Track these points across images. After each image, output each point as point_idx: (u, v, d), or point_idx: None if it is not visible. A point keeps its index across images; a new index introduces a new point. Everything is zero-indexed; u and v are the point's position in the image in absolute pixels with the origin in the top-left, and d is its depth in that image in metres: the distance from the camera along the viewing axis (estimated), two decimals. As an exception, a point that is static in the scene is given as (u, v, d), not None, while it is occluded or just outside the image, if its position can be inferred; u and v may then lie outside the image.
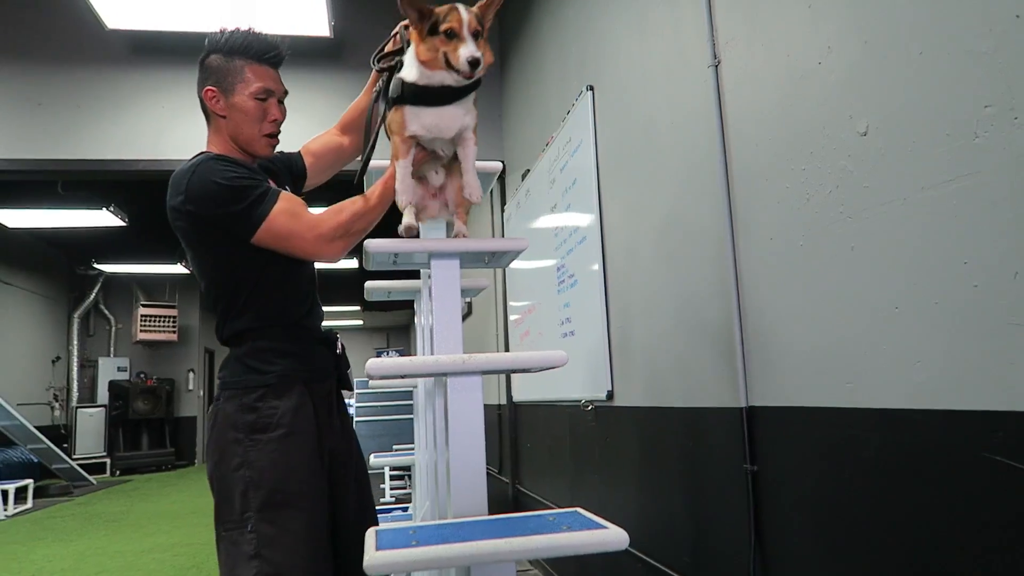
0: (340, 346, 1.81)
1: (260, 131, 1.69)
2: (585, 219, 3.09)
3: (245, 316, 1.63)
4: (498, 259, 2.18)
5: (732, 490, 1.91)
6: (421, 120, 1.50)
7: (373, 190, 1.61)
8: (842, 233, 1.48)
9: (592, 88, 3.05)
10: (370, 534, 1.35)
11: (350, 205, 1.60)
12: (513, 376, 4.63)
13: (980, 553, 1.16)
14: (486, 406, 5.57)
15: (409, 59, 1.51)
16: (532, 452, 4.29)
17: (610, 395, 2.86)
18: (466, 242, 2.07)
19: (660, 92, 2.38)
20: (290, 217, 1.56)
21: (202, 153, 1.67)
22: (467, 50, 1.41)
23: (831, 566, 1.54)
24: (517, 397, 4.57)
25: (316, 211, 1.62)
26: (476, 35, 1.43)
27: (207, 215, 1.56)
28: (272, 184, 1.64)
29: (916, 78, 1.29)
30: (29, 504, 7.83)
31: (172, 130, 4.59)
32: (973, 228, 1.17)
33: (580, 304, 3.20)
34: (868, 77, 1.41)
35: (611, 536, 1.29)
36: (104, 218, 7.31)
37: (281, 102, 1.74)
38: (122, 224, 7.57)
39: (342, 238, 1.58)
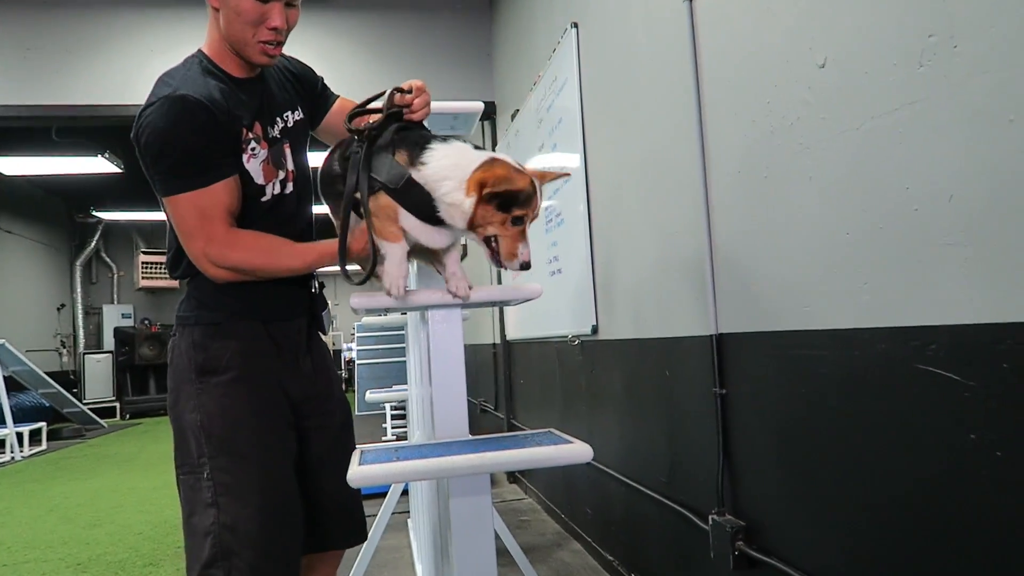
0: (316, 285, 1.67)
1: (255, 36, 1.42)
2: (571, 158, 3.13)
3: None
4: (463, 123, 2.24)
5: (703, 412, 2.02)
6: (411, 223, 1.36)
7: (307, 253, 1.48)
8: (801, 164, 1.54)
9: (576, 25, 3.05)
10: (355, 453, 1.45)
11: (272, 255, 1.45)
12: (507, 315, 4.74)
13: (918, 453, 1.26)
14: (482, 346, 5.75)
15: (441, 173, 1.30)
16: (525, 387, 4.42)
17: (595, 329, 2.96)
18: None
19: (639, 28, 2.40)
20: (197, 215, 1.38)
21: (191, 58, 1.48)
22: (525, 249, 1.33)
23: (791, 476, 1.65)
24: (511, 336, 4.68)
25: (241, 231, 1.44)
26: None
27: (138, 156, 1.42)
28: (221, 163, 1.41)
29: (869, 8, 1.33)
30: (43, 446, 8.08)
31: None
32: (915, 154, 1.23)
33: (567, 243, 3.27)
34: (826, 8, 1.45)
35: (577, 449, 1.39)
36: (100, 165, 7.32)
37: (291, 4, 1.45)
38: (118, 171, 7.59)
39: (231, 272, 1.42)
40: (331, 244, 1.46)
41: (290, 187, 1.57)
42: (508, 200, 1.28)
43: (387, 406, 5.74)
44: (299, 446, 1.56)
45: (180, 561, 3.42)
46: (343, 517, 1.66)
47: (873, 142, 1.33)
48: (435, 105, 2.25)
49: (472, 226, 1.31)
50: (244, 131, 1.45)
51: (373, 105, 1.52)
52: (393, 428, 5.84)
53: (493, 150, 4.92)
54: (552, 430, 1.63)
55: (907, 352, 1.26)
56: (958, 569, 1.18)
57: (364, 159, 1.38)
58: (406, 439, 5.07)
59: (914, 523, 1.27)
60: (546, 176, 1.39)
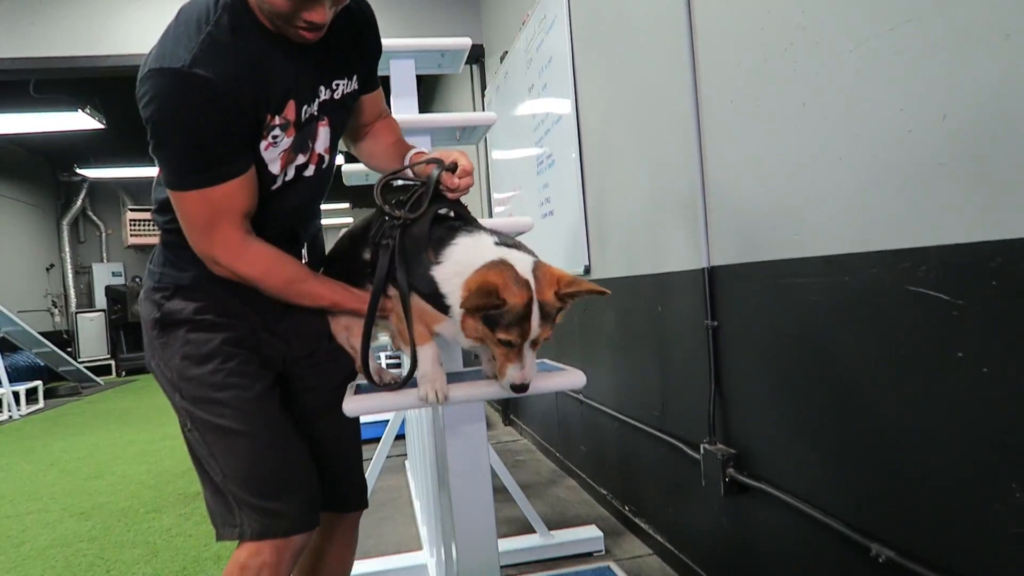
0: (304, 255, 1.44)
1: (288, 23, 1.17)
2: (561, 98, 3.09)
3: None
4: (470, 134, 2.21)
5: (695, 346, 2.04)
6: (446, 328, 1.25)
7: (325, 295, 1.35)
8: (795, 91, 1.52)
9: (565, -42, 2.97)
10: (350, 386, 1.47)
11: (285, 284, 1.31)
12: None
13: (906, 375, 1.28)
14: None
15: (452, 270, 1.18)
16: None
17: (587, 269, 2.96)
18: (434, 118, 2.10)
19: (630, -42, 2.33)
20: (206, 215, 1.21)
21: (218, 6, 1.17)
22: (516, 373, 1.16)
23: (781, 404, 1.68)
24: (503, 281, 4.68)
25: (261, 247, 1.27)
26: (546, 317, 1.14)
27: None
28: (237, 157, 1.20)
29: (865, -75, 1.30)
30: (40, 404, 8.12)
31: (141, 23, 4.45)
32: (910, 75, 1.22)
33: (558, 184, 3.25)
34: (821, -73, 1.41)
35: (570, 376, 1.41)
36: (81, 120, 7.16)
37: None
38: (100, 127, 7.43)
39: (232, 274, 1.27)
40: (354, 299, 1.35)
41: (311, 170, 1.34)
42: (492, 318, 1.12)
43: (382, 355, 5.76)
44: (291, 406, 1.44)
45: (183, 507, 3.48)
46: (345, 480, 1.54)
47: (868, 64, 1.31)
48: (421, 42, 2.22)
49: (465, 334, 1.18)
50: (269, 117, 1.21)
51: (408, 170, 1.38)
52: (387, 360, 5.90)
53: (482, 93, 4.85)
54: (545, 360, 1.64)
55: (898, 275, 1.27)
56: (945, 487, 1.21)
57: (399, 251, 1.25)
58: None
59: (901, 444, 1.30)
60: (565, 289, 1.16)
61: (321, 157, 1.36)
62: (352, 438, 1.58)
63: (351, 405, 1.29)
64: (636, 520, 2.66)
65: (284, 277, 1.30)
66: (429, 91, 7.35)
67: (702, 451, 1.99)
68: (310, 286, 1.33)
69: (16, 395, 7.60)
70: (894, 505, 1.33)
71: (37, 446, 5.62)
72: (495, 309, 1.10)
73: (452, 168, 1.32)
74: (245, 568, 1.26)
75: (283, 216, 1.34)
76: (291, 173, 1.31)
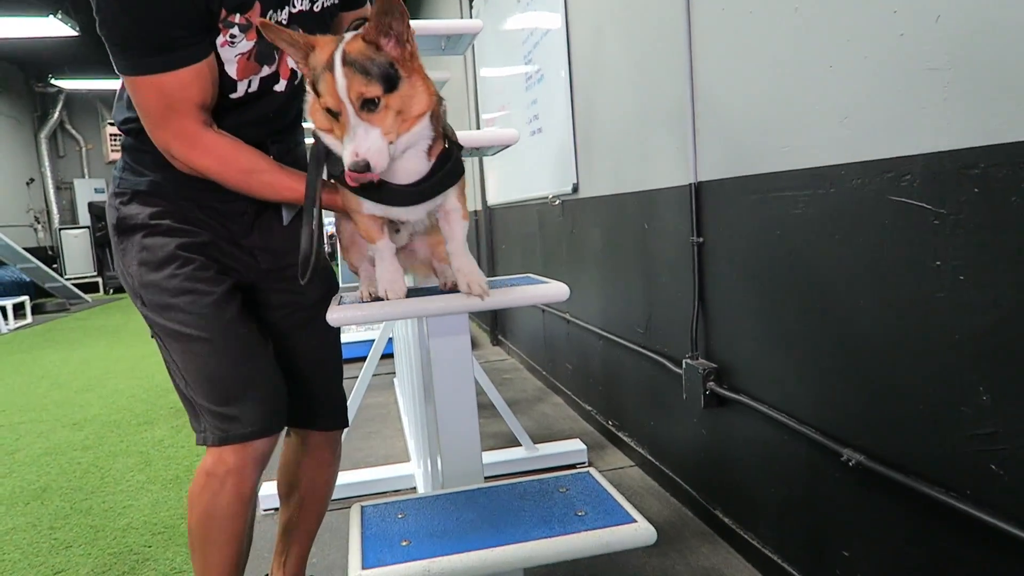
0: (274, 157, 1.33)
1: None
2: (551, 8, 2.98)
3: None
4: (455, 44, 2.14)
5: (680, 263, 2.05)
6: (368, 204, 1.17)
7: (287, 189, 1.25)
8: (790, -5, 1.47)
9: None
10: (334, 298, 1.46)
11: (245, 175, 1.24)
12: (487, 179, 4.68)
13: (885, 285, 1.29)
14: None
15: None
16: (507, 252, 4.45)
17: (575, 188, 2.93)
18: (417, 24, 2.02)
19: None
20: (161, 104, 1.16)
21: None
22: (350, 145, 1.00)
23: (763, 318, 1.70)
24: (491, 201, 4.65)
25: (218, 137, 1.21)
26: (352, 65, 0.99)
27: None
28: (190, 43, 1.14)
29: None
30: (28, 319, 8.14)
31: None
32: (908, -24, 1.18)
33: (547, 100, 3.18)
34: None
35: (554, 288, 1.42)
36: (53, 27, 6.89)
37: None
38: (74, 34, 7.15)
39: (189, 168, 1.22)
40: (294, 185, 1.26)
41: (281, 85, 1.30)
42: (312, 82, 1.04)
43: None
44: (262, 318, 1.41)
45: (174, 420, 3.54)
46: (320, 397, 1.51)
47: (865, -35, 1.27)
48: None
49: (321, 130, 1.09)
50: (224, 12, 1.14)
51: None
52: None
53: (470, 5, 4.68)
54: (530, 274, 1.65)
55: (881, 184, 1.26)
56: (915, 392, 1.24)
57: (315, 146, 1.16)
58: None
59: (876, 353, 1.32)
60: (369, 27, 1.01)
61: (293, 72, 1.30)
62: (331, 356, 1.54)
63: (336, 315, 1.29)
64: (619, 434, 2.73)
65: (241, 167, 1.23)
66: (415, 2, 7.08)
67: (684, 366, 2.03)
68: (272, 176, 1.25)
69: (3, 310, 7.61)
70: (865, 412, 1.37)
71: (27, 359, 5.66)
72: (303, 51, 1.03)
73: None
74: (211, 475, 1.27)
75: (246, 129, 1.26)
76: (255, 85, 1.26)
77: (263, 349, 1.34)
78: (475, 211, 5.05)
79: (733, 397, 1.83)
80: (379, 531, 1.17)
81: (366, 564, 1.04)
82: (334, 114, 1.01)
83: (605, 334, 2.74)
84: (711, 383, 1.93)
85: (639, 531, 1.11)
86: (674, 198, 2.04)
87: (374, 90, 0.99)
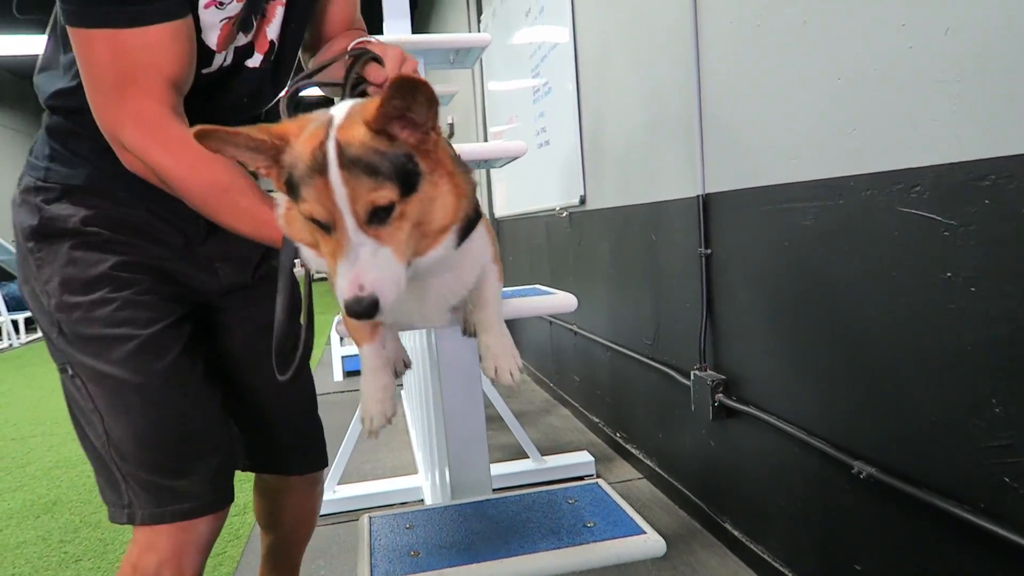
0: None
1: None
2: (558, 21, 3.00)
3: (73, 69, 0.96)
4: (463, 57, 2.16)
5: (687, 274, 2.05)
6: None
7: (264, 225, 0.93)
8: (796, 8, 1.48)
9: None
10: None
11: (212, 193, 0.94)
12: (495, 191, 4.70)
13: (895, 297, 1.29)
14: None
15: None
16: (514, 263, 4.46)
17: (583, 200, 2.94)
18: (426, 39, 2.04)
19: None
20: (115, 68, 0.89)
21: None
22: (344, 276, 0.71)
23: (771, 329, 1.70)
24: (499, 213, 4.66)
25: (182, 128, 0.92)
26: (355, 166, 0.70)
27: None
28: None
29: None
30: (39, 333, 8.19)
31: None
32: (914, -12, 1.18)
33: (555, 113, 3.19)
34: None
35: (562, 299, 1.42)
36: (66, 44, 6.98)
37: None
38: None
39: (142, 164, 0.94)
40: (266, 214, 0.96)
41: (255, 59, 1.07)
42: (290, 183, 0.74)
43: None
44: (215, 346, 1.18)
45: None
46: (289, 437, 1.27)
47: (871, -23, 1.27)
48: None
49: (297, 240, 0.81)
50: None
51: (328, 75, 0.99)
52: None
53: (478, 19, 4.72)
54: (538, 285, 1.65)
55: (891, 196, 1.26)
56: (927, 404, 1.23)
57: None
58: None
59: (886, 365, 1.32)
60: (379, 108, 0.71)
61: (272, 46, 1.07)
62: (303, 387, 1.29)
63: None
64: (627, 446, 2.72)
65: (212, 179, 0.93)
66: (423, 17, 7.14)
67: (692, 377, 2.02)
68: (249, 201, 0.94)
69: (15, 323, 7.67)
70: (877, 424, 1.36)
71: (38, 373, 5.69)
72: (271, 151, 0.74)
73: (378, 60, 0.96)
74: (137, 569, 1.00)
75: (215, 120, 0.86)
76: (230, 57, 1.03)
77: (213, 401, 1.09)
78: (483, 224, 5.06)
79: (742, 409, 1.82)
80: (388, 543, 1.17)
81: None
82: (322, 225, 0.72)
83: (613, 346, 2.74)
84: (720, 394, 1.92)
85: (648, 542, 1.11)
86: (682, 210, 2.04)
87: (386, 195, 0.71)
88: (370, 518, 1.27)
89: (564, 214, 3.19)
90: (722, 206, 1.85)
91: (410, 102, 0.70)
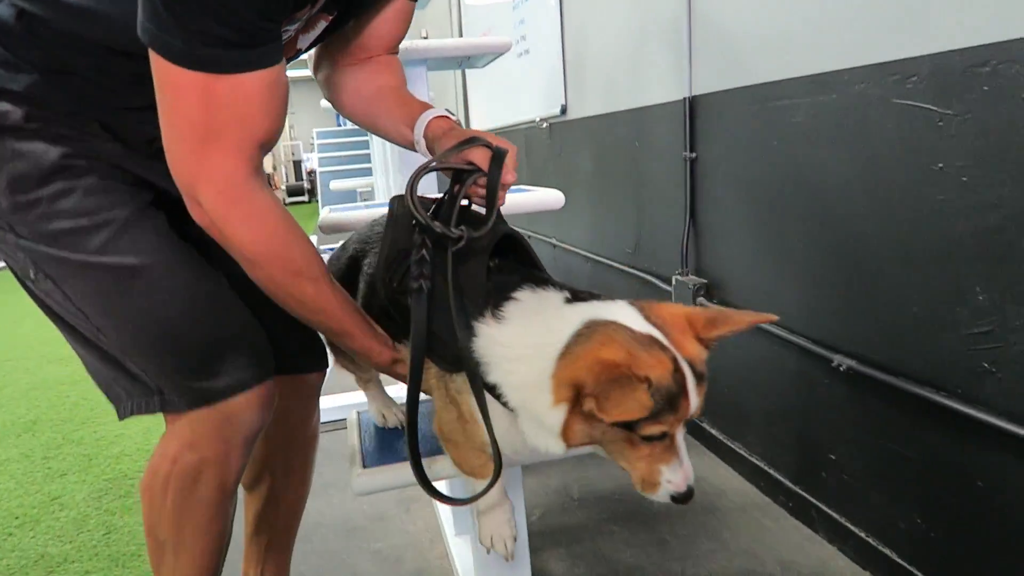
0: None
1: None
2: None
3: None
4: (474, 63, 2.02)
5: (671, 180, 2.03)
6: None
7: (335, 310, 0.92)
8: None
9: None
10: (325, 209, 1.44)
11: (295, 267, 0.87)
12: (471, 101, 4.59)
13: (886, 192, 1.29)
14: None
15: (513, 350, 0.77)
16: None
17: (564, 109, 2.88)
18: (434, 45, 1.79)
19: None
20: (208, 116, 0.78)
21: None
22: (677, 475, 0.74)
23: (755, 232, 1.70)
24: (476, 126, 4.57)
25: (273, 201, 0.86)
26: (700, 379, 0.74)
27: None
28: (278, 35, 0.82)
29: None
30: (3, 265, 7.99)
31: None
32: None
33: (535, 20, 3.08)
34: None
35: (549, 195, 1.40)
36: None
37: None
38: None
39: (215, 230, 0.83)
40: (376, 341, 0.95)
41: None
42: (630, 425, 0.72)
43: (357, 193, 5.55)
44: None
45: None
46: (293, 333, 1.08)
47: None
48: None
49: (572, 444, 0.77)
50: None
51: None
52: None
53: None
54: (522, 186, 1.62)
55: (886, 88, 1.24)
56: (912, 296, 1.25)
57: (455, 292, 0.82)
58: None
59: (875, 259, 1.33)
60: (710, 331, 0.76)
61: (297, 53, 1.01)
62: None
63: (326, 222, 1.25)
64: (607, 355, 2.76)
65: (289, 261, 0.86)
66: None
67: (674, 282, 2.03)
68: (322, 289, 0.89)
69: (-23, 250, 7.45)
70: (859, 318, 1.38)
71: (9, 300, 5.57)
72: (647, 407, 0.69)
73: (503, 155, 0.91)
74: (177, 463, 0.94)
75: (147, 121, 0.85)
76: None
77: (216, 273, 0.98)
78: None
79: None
80: (378, 434, 1.17)
81: (367, 464, 1.05)
82: (656, 436, 0.73)
83: (593, 256, 2.73)
84: (701, 298, 1.94)
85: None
86: (667, 114, 2.00)
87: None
88: (359, 413, 1.28)
89: (544, 125, 3.13)
90: (709, 108, 1.82)
91: (731, 332, 0.76)
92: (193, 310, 0.91)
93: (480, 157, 0.91)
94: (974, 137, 1.08)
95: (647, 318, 0.75)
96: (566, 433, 0.74)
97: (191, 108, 0.77)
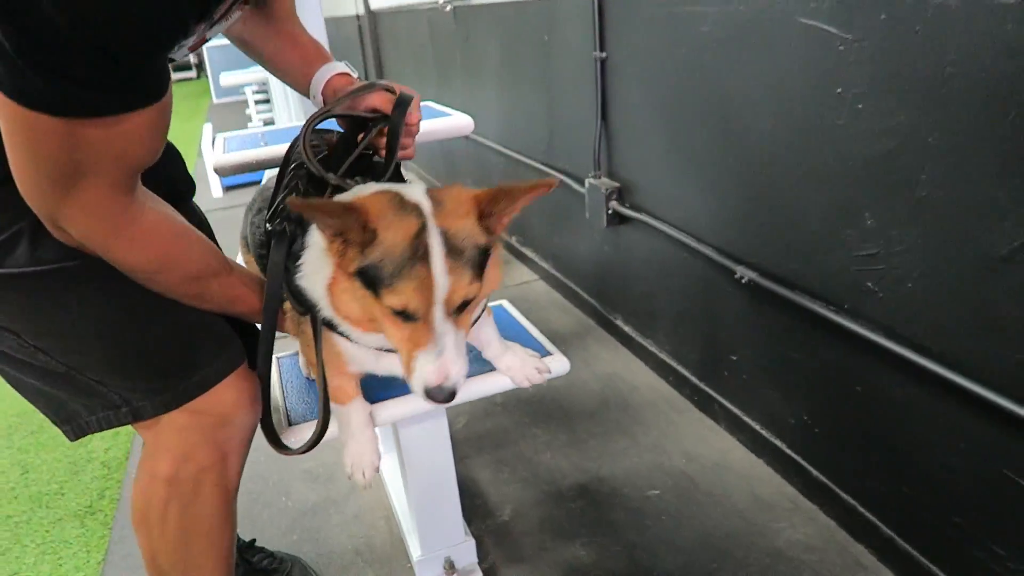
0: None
1: None
2: None
3: None
4: None
5: (582, 79, 1.98)
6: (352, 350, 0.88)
7: (234, 290, 0.88)
8: None
9: None
10: (219, 140, 1.35)
11: (195, 271, 0.83)
12: (369, -21, 4.25)
13: (786, 110, 1.31)
14: (343, 19, 5.24)
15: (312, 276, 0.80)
16: (396, 63, 4.17)
17: (468, -8, 2.71)
18: None
19: None
20: (75, 160, 0.65)
21: None
22: (429, 367, 0.72)
23: (665, 138, 1.71)
24: (375, 5, 4.26)
25: (158, 215, 0.78)
26: (458, 256, 0.71)
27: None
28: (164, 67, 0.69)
29: None
30: None
31: None
32: None
33: None
34: None
35: (458, 121, 1.35)
36: None
37: None
38: None
39: (101, 254, 0.76)
40: (251, 292, 0.90)
41: (183, 53, 0.88)
42: (370, 274, 0.72)
43: (248, 91, 5.30)
44: None
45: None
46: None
47: None
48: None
49: (347, 316, 0.80)
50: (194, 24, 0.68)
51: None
52: (259, 114, 5.50)
53: None
54: (430, 103, 1.56)
55: (792, 5, 1.22)
56: (807, 214, 1.31)
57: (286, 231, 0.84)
58: (274, 124, 4.82)
59: (777, 176, 1.37)
60: (490, 204, 0.75)
61: (204, 40, 0.85)
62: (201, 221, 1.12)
63: (222, 162, 1.18)
64: (523, 249, 2.80)
65: (187, 269, 0.82)
66: None
67: (587, 185, 2.04)
68: (223, 282, 0.87)
69: None
70: (761, 232, 1.44)
71: None
72: (371, 264, 0.71)
73: (407, 101, 0.95)
74: (172, 483, 0.89)
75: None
76: None
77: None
78: (357, 16, 4.62)
79: (635, 216, 1.88)
80: (300, 384, 1.17)
81: (292, 421, 1.05)
82: (399, 312, 0.72)
83: (507, 151, 2.69)
84: (613, 202, 1.97)
85: (555, 362, 1.15)
86: (577, 10, 1.92)
87: (476, 287, 0.73)
88: (279, 359, 1.26)
89: (448, 8, 2.94)
90: (618, 7, 1.76)
91: (512, 205, 0.75)
92: (141, 304, 0.83)
93: (380, 101, 0.92)
94: (871, 65, 1.10)
95: (430, 196, 0.75)
96: (335, 298, 0.77)
97: (53, 150, 0.64)
